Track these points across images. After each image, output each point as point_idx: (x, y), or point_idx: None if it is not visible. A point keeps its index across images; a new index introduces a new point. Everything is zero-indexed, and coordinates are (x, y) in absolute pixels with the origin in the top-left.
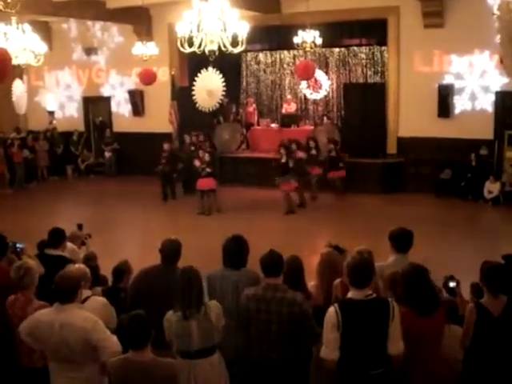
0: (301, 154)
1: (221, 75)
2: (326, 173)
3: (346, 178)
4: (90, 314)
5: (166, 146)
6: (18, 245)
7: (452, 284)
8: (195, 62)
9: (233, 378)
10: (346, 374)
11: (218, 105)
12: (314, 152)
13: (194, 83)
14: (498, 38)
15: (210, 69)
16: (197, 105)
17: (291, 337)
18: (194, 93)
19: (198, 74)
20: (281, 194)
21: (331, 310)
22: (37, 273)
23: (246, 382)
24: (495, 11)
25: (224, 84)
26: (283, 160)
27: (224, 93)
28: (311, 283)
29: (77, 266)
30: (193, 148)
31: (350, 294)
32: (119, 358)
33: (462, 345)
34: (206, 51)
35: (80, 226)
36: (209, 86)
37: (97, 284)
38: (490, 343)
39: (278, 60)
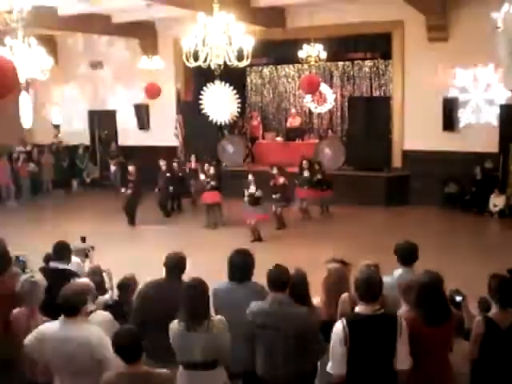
0: (281, 180)
1: (230, 87)
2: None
3: (330, 198)
4: (95, 328)
5: (131, 169)
6: (21, 257)
7: (458, 298)
8: (200, 76)
9: None
10: None
11: (235, 117)
12: (306, 174)
13: (201, 97)
14: (499, 48)
15: (218, 82)
16: (209, 118)
17: (297, 351)
18: (202, 107)
19: (205, 89)
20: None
21: (338, 324)
22: (42, 287)
23: None
24: (499, 24)
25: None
26: (252, 190)
27: (239, 104)
28: (317, 298)
29: (82, 280)
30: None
31: (357, 309)
32: (113, 373)
33: (470, 358)
34: (212, 65)
35: (83, 239)
36: (219, 99)
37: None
38: (497, 356)
39: (282, 74)
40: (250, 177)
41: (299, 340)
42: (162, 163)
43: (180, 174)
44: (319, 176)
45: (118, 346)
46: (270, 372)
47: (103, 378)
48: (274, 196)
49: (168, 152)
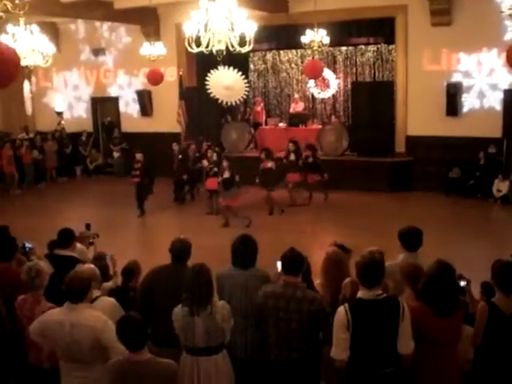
0: (269, 164)
1: (236, 70)
2: (305, 178)
3: (326, 181)
4: (100, 314)
5: (138, 156)
6: (26, 245)
7: (463, 283)
8: (203, 62)
9: (241, 377)
10: (355, 374)
11: (244, 96)
12: (292, 157)
13: (207, 82)
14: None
15: (221, 67)
16: (219, 101)
17: (310, 335)
18: (210, 91)
19: (209, 74)
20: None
21: (341, 309)
22: (47, 274)
23: (258, 382)
24: (503, 9)
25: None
26: (226, 175)
27: (247, 84)
28: (317, 281)
29: (86, 265)
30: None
31: (359, 294)
32: (117, 359)
33: (473, 344)
34: (214, 51)
35: (88, 226)
36: (224, 82)
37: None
38: (501, 341)
39: (285, 59)
40: (225, 163)
41: (313, 324)
42: (175, 147)
43: (197, 155)
44: (310, 160)
45: (123, 334)
46: (283, 356)
47: (107, 364)
48: (257, 180)
49: (171, 138)
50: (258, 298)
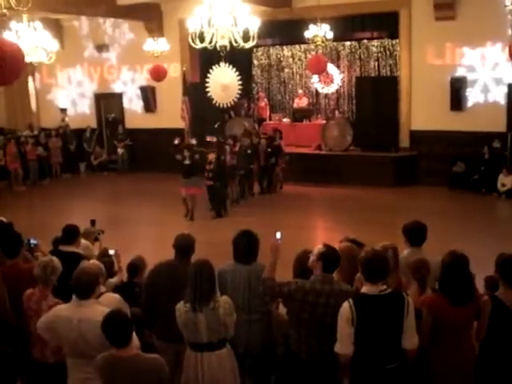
0: (228, 158)
1: (234, 69)
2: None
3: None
4: (107, 310)
5: (210, 157)
6: (31, 241)
7: None
8: (206, 58)
9: (245, 371)
10: (360, 369)
11: (236, 99)
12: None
13: (208, 79)
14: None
15: (223, 64)
16: (213, 101)
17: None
18: (208, 89)
19: (210, 70)
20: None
21: (345, 304)
22: (59, 271)
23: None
24: (507, 3)
25: (239, 78)
26: (186, 162)
27: (240, 87)
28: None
29: (92, 261)
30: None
31: (363, 289)
32: (104, 355)
33: (478, 337)
34: (217, 46)
35: (93, 222)
36: (223, 81)
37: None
38: (504, 334)
39: (289, 54)
40: (186, 152)
41: None
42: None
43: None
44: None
45: (107, 331)
46: (315, 351)
47: (95, 360)
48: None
49: (175, 134)
50: (294, 293)
